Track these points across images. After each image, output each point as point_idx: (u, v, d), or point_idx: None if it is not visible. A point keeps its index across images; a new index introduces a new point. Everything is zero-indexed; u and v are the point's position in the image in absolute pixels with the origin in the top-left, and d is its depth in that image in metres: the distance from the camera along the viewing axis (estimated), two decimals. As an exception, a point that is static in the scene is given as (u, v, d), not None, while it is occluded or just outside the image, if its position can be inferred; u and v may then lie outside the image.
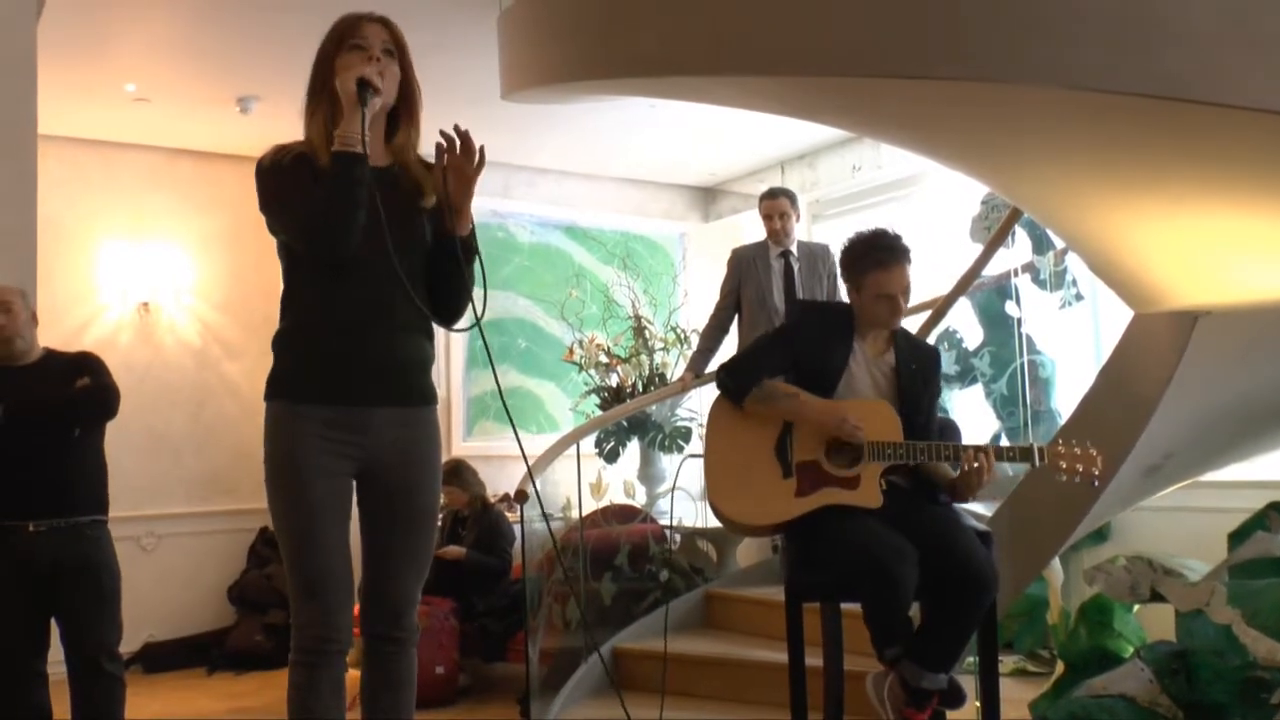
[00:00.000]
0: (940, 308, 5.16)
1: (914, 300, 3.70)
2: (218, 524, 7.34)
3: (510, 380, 7.96)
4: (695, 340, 6.26)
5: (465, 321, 2.66)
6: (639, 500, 6.64)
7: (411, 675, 2.67)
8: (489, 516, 6.21)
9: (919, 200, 7.16)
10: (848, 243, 3.52)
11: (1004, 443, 5.77)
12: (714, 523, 3.59)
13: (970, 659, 3.48)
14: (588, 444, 6.31)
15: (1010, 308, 5.91)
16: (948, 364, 5.89)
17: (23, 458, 3.90)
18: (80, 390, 4.02)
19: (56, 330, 5.91)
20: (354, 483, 2.59)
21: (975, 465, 3.20)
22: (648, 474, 7.09)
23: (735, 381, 3.43)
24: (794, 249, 5.72)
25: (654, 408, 6.92)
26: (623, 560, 5.49)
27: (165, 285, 7.29)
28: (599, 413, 7.28)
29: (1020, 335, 5.83)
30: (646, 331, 7.58)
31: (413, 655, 2.68)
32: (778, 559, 5.23)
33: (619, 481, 6.43)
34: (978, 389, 6.06)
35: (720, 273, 5.91)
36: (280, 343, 2.61)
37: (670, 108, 6.55)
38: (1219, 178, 2.79)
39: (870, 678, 3.31)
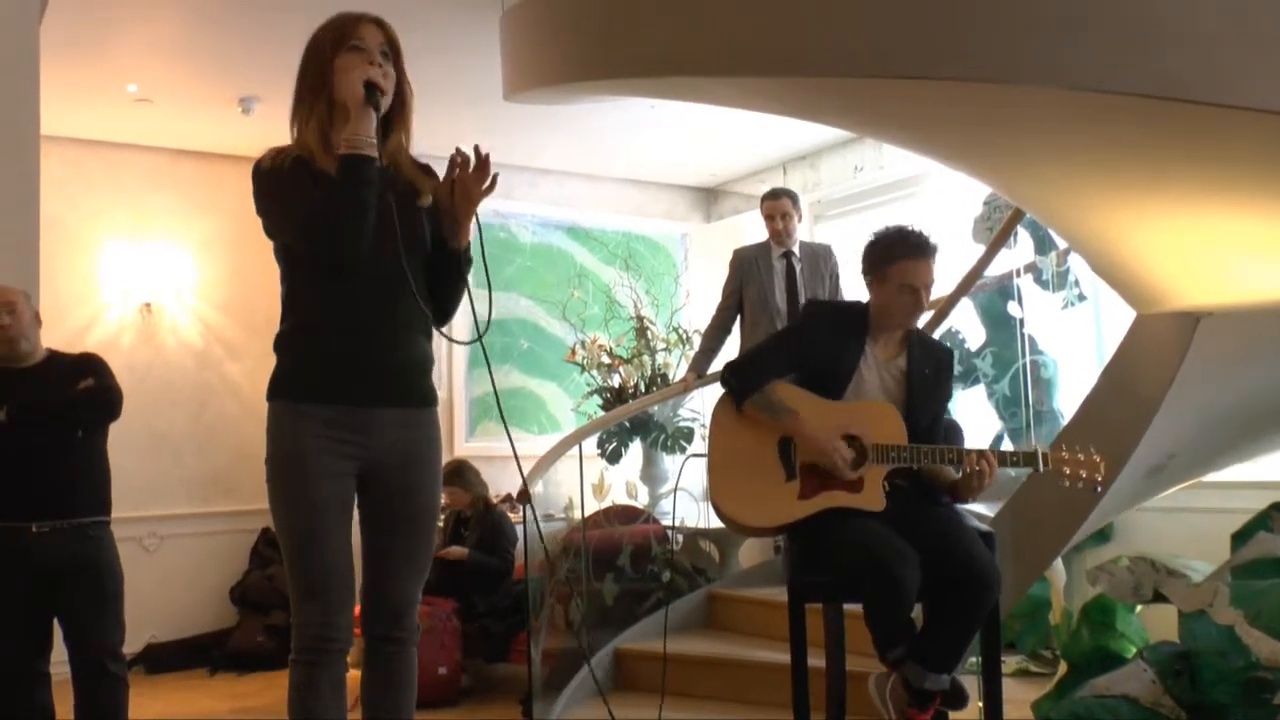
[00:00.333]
0: (943, 308, 5.15)
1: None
2: (220, 525, 7.34)
3: (512, 381, 7.97)
4: (697, 341, 6.26)
5: (468, 334, 2.66)
6: (641, 501, 6.64)
7: (412, 675, 2.67)
8: (491, 517, 6.21)
9: (921, 201, 7.15)
10: (874, 236, 3.48)
11: (1006, 443, 5.79)
12: (716, 523, 3.59)
13: (973, 659, 3.48)
14: (590, 445, 6.31)
15: (1012, 308, 5.90)
16: (949, 365, 5.88)
17: (26, 459, 3.90)
18: (83, 391, 4.02)
19: (59, 331, 5.92)
20: (355, 483, 2.59)
21: (977, 469, 3.20)
22: (650, 474, 7.10)
23: (739, 382, 3.40)
24: (796, 249, 5.72)
25: (656, 408, 6.92)
26: (625, 561, 5.49)
27: (167, 286, 7.29)
28: (601, 413, 7.28)
29: (1022, 336, 5.83)
30: (648, 332, 7.58)
31: (413, 655, 2.68)
32: (780, 559, 5.23)
33: (621, 482, 6.44)
34: (980, 389, 6.05)
35: (722, 273, 5.91)
36: (282, 344, 2.61)
37: (672, 108, 6.55)
38: (1221, 178, 2.79)
39: (873, 678, 3.31)
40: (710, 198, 9.15)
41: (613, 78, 4.10)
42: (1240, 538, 4.06)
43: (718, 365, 5.55)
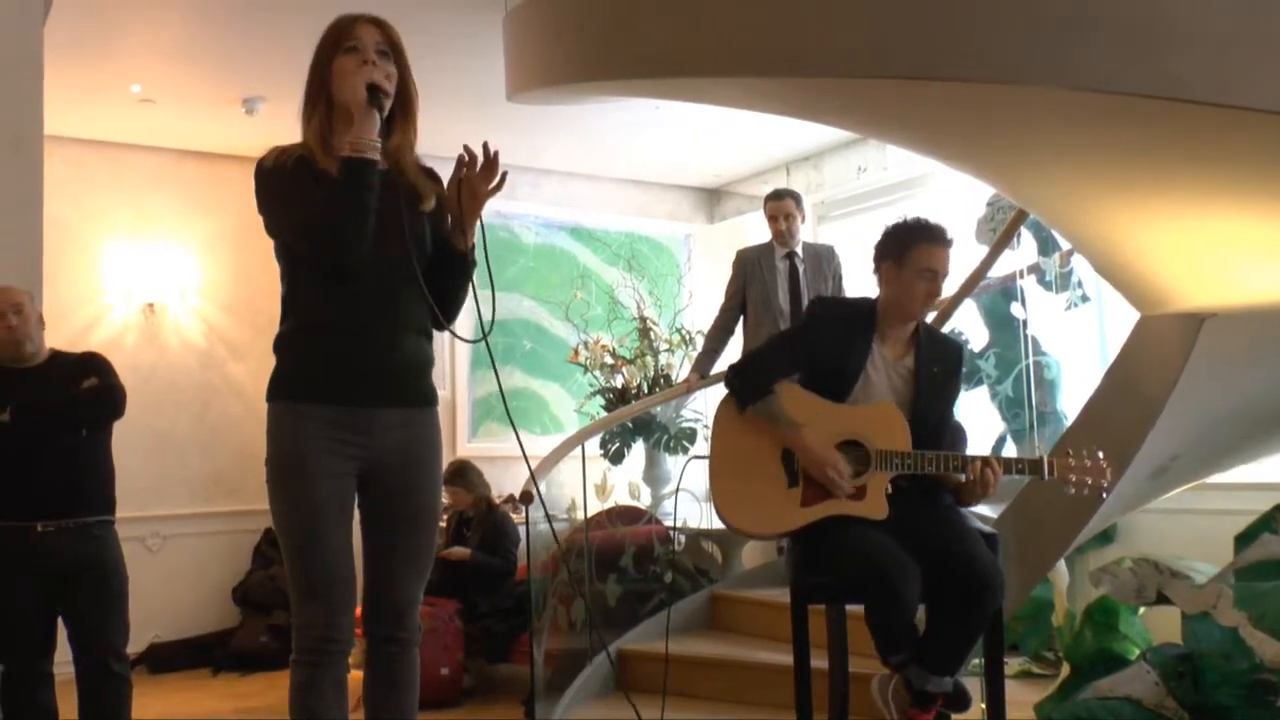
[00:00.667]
0: (946, 309, 5.15)
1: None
2: (223, 525, 7.34)
3: (515, 381, 7.97)
4: (700, 341, 6.26)
5: (473, 333, 2.66)
6: (644, 501, 6.64)
7: (414, 676, 2.67)
8: (494, 517, 6.21)
9: (924, 201, 7.14)
10: (892, 226, 3.44)
11: (1009, 444, 5.79)
12: (719, 524, 3.58)
13: (975, 661, 3.48)
14: (593, 445, 6.31)
15: (1016, 309, 5.91)
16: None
17: (30, 458, 3.90)
18: (87, 391, 4.03)
19: (62, 331, 5.92)
20: (356, 484, 2.59)
21: (981, 477, 3.18)
22: (653, 475, 7.10)
23: (743, 384, 3.39)
24: (799, 250, 5.73)
25: (659, 409, 6.92)
26: (628, 561, 5.49)
27: (170, 286, 7.30)
28: (604, 414, 7.28)
29: (1026, 337, 5.83)
30: (651, 333, 7.58)
31: (415, 656, 2.67)
32: (783, 561, 5.23)
33: (624, 483, 6.43)
34: (983, 391, 6.05)
35: (725, 274, 5.91)
36: (282, 344, 2.60)
37: (675, 109, 6.55)
38: (1225, 179, 2.79)
39: (875, 680, 3.31)
40: (713, 198, 9.14)
41: (616, 78, 4.10)
42: (1244, 539, 4.06)
43: (721, 366, 5.56)
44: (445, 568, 5.80)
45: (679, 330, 7.63)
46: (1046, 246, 5.77)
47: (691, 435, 6.95)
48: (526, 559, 5.29)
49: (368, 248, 2.47)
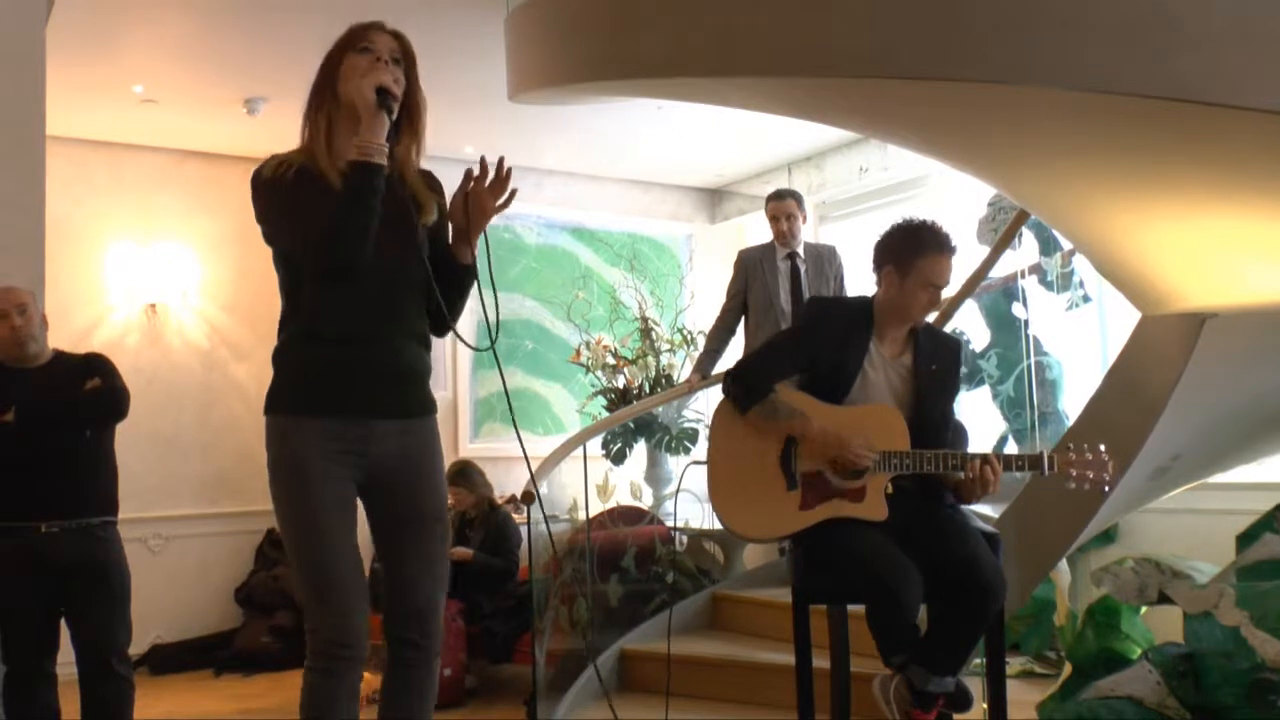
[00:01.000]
0: (947, 309, 5.15)
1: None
2: (225, 525, 7.35)
3: (517, 382, 7.98)
4: (702, 342, 6.26)
5: (474, 338, 2.65)
6: (645, 502, 6.65)
7: (432, 686, 2.65)
8: (496, 518, 6.21)
9: (925, 202, 7.14)
10: (896, 227, 3.40)
11: (1011, 444, 5.78)
12: (720, 525, 3.58)
13: (977, 661, 3.48)
14: (594, 445, 6.32)
15: (1017, 309, 5.91)
16: (954, 366, 5.89)
17: (35, 459, 3.91)
18: (90, 391, 4.03)
19: (64, 331, 5.91)
20: (358, 492, 2.58)
21: (980, 475, 3.18)
22: (654, 475, 7.10)
23: (741, 388, 3.37)
24: (801, 250, 5.73)
25: (660, 409, 6.93)
26: (629, 562, 5.50)
27: (172, 286, 7.30)
28: (606, 414, 7.29)
29: (1027, 337, 5.83)
30: (653, 333, 7.58)
31: (435, 667, 2.65)
32: (784, 561, 5.23)
33: (626, 483, 6.44)
34: (985, 391, 6.06)
35: (727, 274, 5.92)
36: (279, 357, 2.60)
37: (677, 109, 6.56)
38: (1227, 180, 2.79)
39: (877, 680, 3.30)
40: (715, 199, 9.15)
41: (618, 78, 4.10)
42: (1245, 539, 4.06)
43: (722, 366, 5.56)
44: (447, 568, 5.79)
45: (680, 330, 7.63)
46: (1048, 247, 5.77)
47: (693, 436, 6.96)
48: (528, 559, 5.29)
49: (369, 249, 2.47)
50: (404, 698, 2.62)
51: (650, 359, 7.45)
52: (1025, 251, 5.72)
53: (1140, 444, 3.39)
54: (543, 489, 5.25)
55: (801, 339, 3.51)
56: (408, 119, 2.62)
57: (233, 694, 6.32)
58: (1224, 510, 4.75)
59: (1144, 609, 4.28)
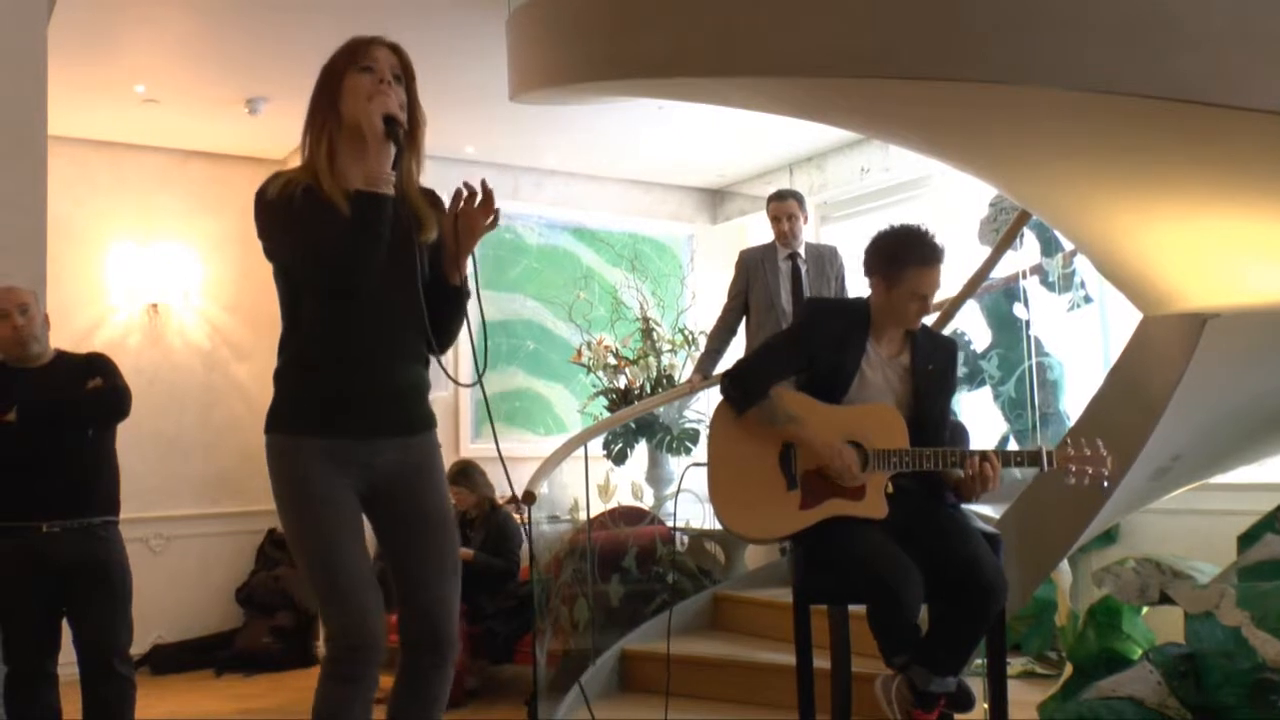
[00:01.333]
0: (948, 310, 5.15)
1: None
2: (226, 526, 7.36)
3: (518, 382, 7.98)
4: (703, 342, 6.27)
5: (468, 377, 2.65)
6: (647, 502, 6.65)
7: (444, 693, 2.64)
8: (496, 518, 6.21)
9: (927, 202, 7.15)
10: (882, 237, 3.42)
11: (1012, 445, 5.78)
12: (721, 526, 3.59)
13: (978, 661, 3.48)
14: (596, 446, 6.33)
15: (1018, 310, 5.91)
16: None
17: (37, 459, 3.91)
18: (92, 391, 4.03)
19: (65, 331, 5.91)
20: (361, 505, 2.58)
21: (980, 472, 3.18)
22: (655, 476, 7.10)
23: (739, 390, 3.37)
24: (802, 251, 5.73)
25: (662, 410, 6.93)
26: (630, 562, 5.50)
27: (174, 286, 7.31)
28: (607, 414, 7.29)
29: (1028, 338, 5.83)
30: (654, 333, 7.59)
31: (449, 674, 2.64)
32: (785, 561, 5.23)
33: (627, 483, 6.44)
34: (986, 391, 6.06)
35: (728, 274, 5.92)
36: (280, 379, 2.59)
37: (678, 109, 6.56)
38: (1228, 180, 2.78)
39: (878, 680, 3.30)
40: (716, 199, 9.15)
41: (619, 78, 4.10)
42: (1246, 539, 4.06)
43: (724, 366, 5.56)
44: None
45: (682, 331, 7.63)
46: (1049, 247, 5.77)
47: (694, 436, 6.96)
48: (530, 559, 5.29)
49: (373, 276, 2.47)
50: (414, 708, 2.62)
51: (651, 359, 7.45)
52: (1027, 252, 5.71)
53: (1141, 444, 3.39)
54: (544, 489, 5.26)
55: (798, 340, 3.50)
56: (408, 136, 2.60)
57: (234, 694, 6.32)
58: (1225, 511, 4.75)
59: (1145, 609, 4.28)
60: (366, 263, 2.45)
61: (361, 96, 2.50)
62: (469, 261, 2.66)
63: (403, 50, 2.62)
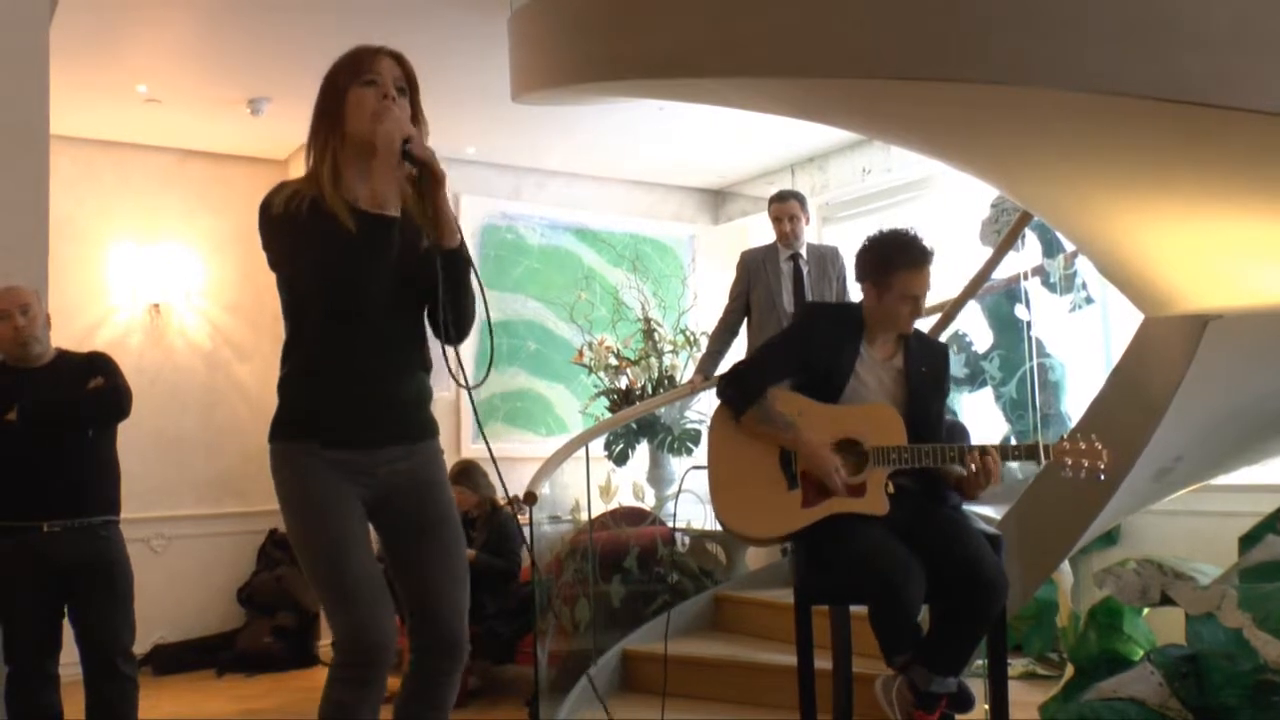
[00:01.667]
0: (950, 311, 5.15)
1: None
2: (227, 526, 7.36)
3: (520, 382, 7.98)
4: (704, 343, 6.27)
5: (473, 377, 2.62)
6: (648, 503, 6.64)
7: (453, 698, 2.64)
8: (498, 518, 6.21)
9: (928, 203, 7.15)
10: (870, 242, 3.46)
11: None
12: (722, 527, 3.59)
13: (979, 662, 3.48)
14: (597, 446, 6.32)
15: (1020, 311, 5.90)
16: (957, 367, 5.89)
17: (38, 458, 3.92)
18: (93, 391, 4.04)
19: (67, 331, 5.92)
20: (366, 513, 2.57)
21: (981, 467, 3.19)
22: (657, 476, 7.10)
23: (737, 392, 3.39)
24: (803, 252, 5.73)
25: (663, 410, 6.93)
26: (631, 563, 5.50)
27: (175, 286, 7.32)
28: (608, 415, 7.28)
29: (1030, 339, 5.83)
30: (656, 334, 7.59)
31: (457, 680, 2.64)
32: (786, 562, 5.23)
33: (628, 484, 6.44)
34: (987, 392, 6.05)
35: (730, 275, 5.92)
36: (284, 390, 2.59)
37: (680, 110, 6.55)
38: (1229, 181, 2.78)
39: (879, 680, 3.31)
40: (718, 200, 9.15)
41: (621, 79, 4.10)
42: (1248, 541, 4.06)
43: (725, 367, 5.56)
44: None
45: (683, 331, 7.63)
46: (1051, 248, 5.77)
47: (696, 436, 6.96)
48: (530, 560, 5.29)
49: (377, 294, 2.47)
50: (423, 707, 2.62)
51: (653, 360, 7.45)
52: (1028, 253, 5.71)
53: (1143, 445, 3.39)
54: (545, 490, 5.25)
55: (794, 344, 3.53)
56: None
57: (235, 694, 6.33)
58: (1226, 512, 4.75)
59: (1146, 610, 4.28)
60: (370, 284, 2.45)
61: (366, 113, 2.49)
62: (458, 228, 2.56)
63: (406, 60, 2.60)
